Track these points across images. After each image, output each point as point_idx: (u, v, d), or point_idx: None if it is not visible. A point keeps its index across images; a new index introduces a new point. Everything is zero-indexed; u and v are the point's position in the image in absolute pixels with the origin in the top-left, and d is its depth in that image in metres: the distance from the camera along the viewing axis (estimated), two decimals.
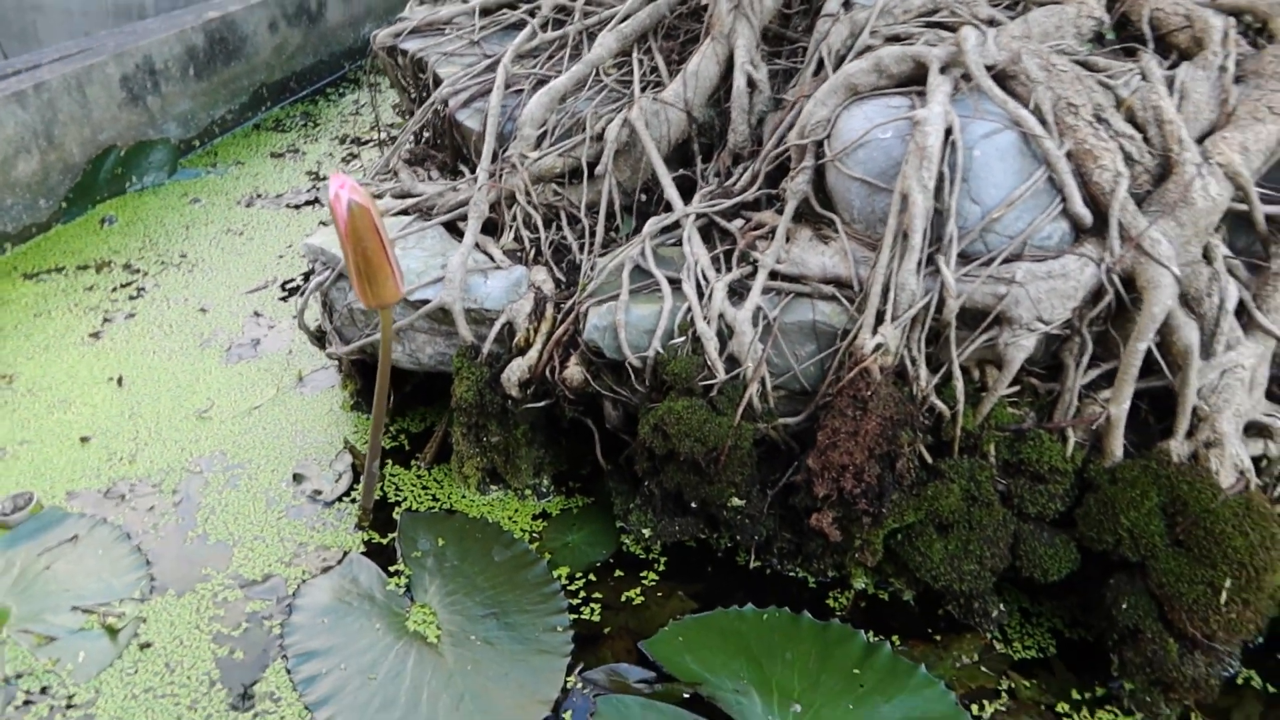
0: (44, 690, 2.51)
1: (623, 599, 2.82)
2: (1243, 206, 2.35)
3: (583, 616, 2.75)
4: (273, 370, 3.81)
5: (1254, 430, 2.40)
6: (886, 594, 2.84)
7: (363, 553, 2.96)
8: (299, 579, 2.85)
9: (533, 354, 2.81)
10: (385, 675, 2.56)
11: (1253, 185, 2.33)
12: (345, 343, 3.16)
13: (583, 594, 2.82)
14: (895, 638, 2.69)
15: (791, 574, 2.89)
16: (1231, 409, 2.30)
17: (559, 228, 3.06)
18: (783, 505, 2.73)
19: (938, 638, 2.72)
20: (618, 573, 2.91)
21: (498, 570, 2.90)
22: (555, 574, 2.87)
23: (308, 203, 5.33)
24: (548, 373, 2.80)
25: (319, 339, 3.29)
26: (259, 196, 5.37)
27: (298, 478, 3.23)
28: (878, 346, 2.40)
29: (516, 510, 3.12)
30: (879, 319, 2.41)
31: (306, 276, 4.41)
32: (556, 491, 3.20)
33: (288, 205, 5.28)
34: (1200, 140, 2.39)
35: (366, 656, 2.61)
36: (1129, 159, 2.36)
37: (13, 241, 4.62)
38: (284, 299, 4.33)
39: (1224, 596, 2.26)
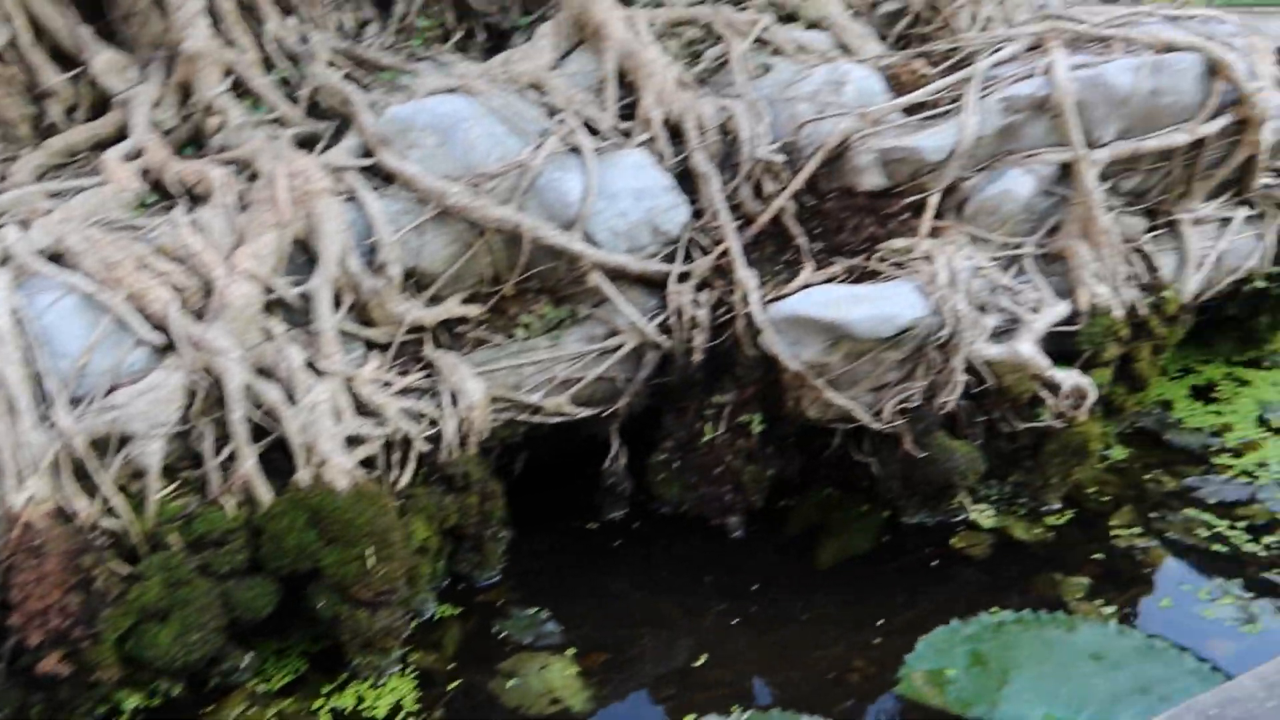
0: None
1: None
2: (273, 295, 3.21)
3: None
4: None
5: (358, 441, 3.27)
6: (157, 701, 3.19)
7: None
8: None
9: None
10: None
11: (275, 278, 3.20)
12: None
13: None
14: None
15: None
16: (327, 433, 3.12)
17: None
18: (19, 675, 2.92)
19: (211, 708, 3.16)
20: None
21: None
22: None
23: None
24: None
25: None
26: None
27: None
28: (29, 499, 2.76)
29: None
30: (20, 478, 2.78)
31: None
32: None
33: None
34: (228, 257, 3.19)
35: None
36: (177, 288, 3.07)
37: None
38: None
39: (371, 561, 3.06)
